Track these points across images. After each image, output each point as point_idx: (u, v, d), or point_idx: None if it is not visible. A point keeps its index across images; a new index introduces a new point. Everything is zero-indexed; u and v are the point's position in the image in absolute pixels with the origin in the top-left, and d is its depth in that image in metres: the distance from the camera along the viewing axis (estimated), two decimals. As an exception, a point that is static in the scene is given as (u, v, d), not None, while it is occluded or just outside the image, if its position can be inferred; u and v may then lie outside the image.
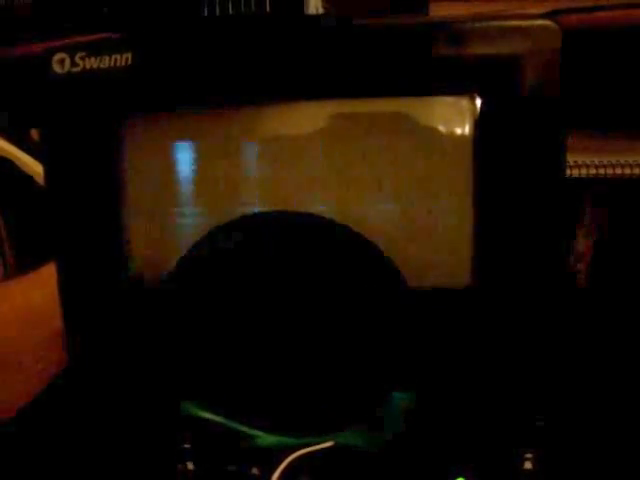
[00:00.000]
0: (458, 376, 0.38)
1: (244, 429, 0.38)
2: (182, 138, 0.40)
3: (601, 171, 0.48)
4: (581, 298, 0.50)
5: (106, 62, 0.37)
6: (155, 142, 0.40)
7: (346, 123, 0.39)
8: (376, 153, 0.39)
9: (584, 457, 0.44)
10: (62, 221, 0.40)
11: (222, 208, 0.40)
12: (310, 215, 0.38)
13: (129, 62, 0.37)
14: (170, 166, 0.40)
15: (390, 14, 0.43)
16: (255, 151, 0.40)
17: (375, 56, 0.37)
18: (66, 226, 0.40)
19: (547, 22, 0.36)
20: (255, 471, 0.38)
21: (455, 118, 0.38)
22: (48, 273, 0.42)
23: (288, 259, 0.38)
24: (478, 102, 0.37)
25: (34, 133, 0.55)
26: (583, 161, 0.48)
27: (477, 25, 0.36)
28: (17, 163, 0.54)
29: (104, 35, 0.40)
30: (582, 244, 0.51)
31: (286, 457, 0.38)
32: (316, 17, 0.44)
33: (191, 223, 0.40)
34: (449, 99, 0.38)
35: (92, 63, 0.38)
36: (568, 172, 0.47)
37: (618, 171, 0.48)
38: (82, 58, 0.38)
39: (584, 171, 0.48)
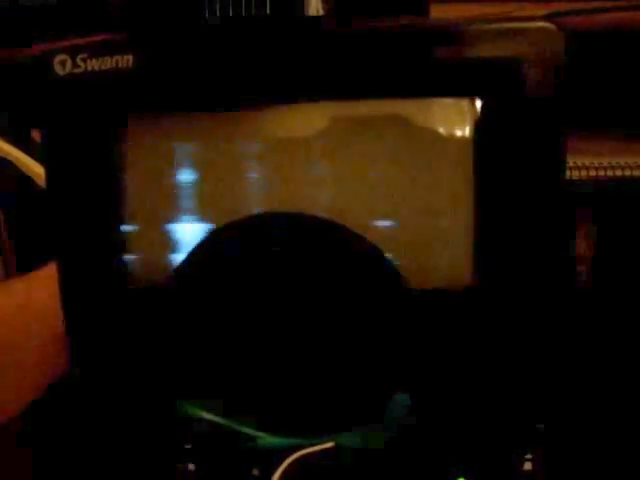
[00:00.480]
0: (458, 377, 0.38)
1: (245, 430, 0.38)
2: (183, 140, 0.40)
3: (601, 173, 0.48)
4: (582, 299, 0.50)
5: (107, 64, 0.38)
6: (156, 144, 0.40)
7: (346, 125, 0.39)
8: (376, 155, 0.39)
9: (584, 458, 0.44)
10: (62, 222, 0.40)
11: (223, 210, 0.40)
12: (310, 217, 0.38)
13: (130, 64, 0.37)
14: (171, 168, 0.40)
15: (390, 16, 0.43)
16: (256, 153, 0.40)
17: (375, 58, 0.37)
18: (66, 227, 0.40)
19: (547, 24, 0.36)
20: (255, 472, 0.38)
21: (455, 120, 0.38)
22: (48, 273, 0.42)
23: (288, 261, 0.38)
24: (478, 104, 0.38)
25: (35, 134, 0.55)
26: (583, 163, 0.48)
27: (477, 27, 0.36)
28: (18, 164, 0.54)
29: (105, 36, 0.40)
30: (583, 245, 0.51)
31: (286, 458, 0.38)
32: (317, 19, 0.44)
33: (192, 224, 0.40)
34: (449, 101, 0.38)
35: (93, 65, 0.38)
36: (568, 174, 0.47)
37: (618, 173, 0.48)
38: (83, 60, 0.38)
39: (584, 173, 0.48)
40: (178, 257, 0.40)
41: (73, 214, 0.40)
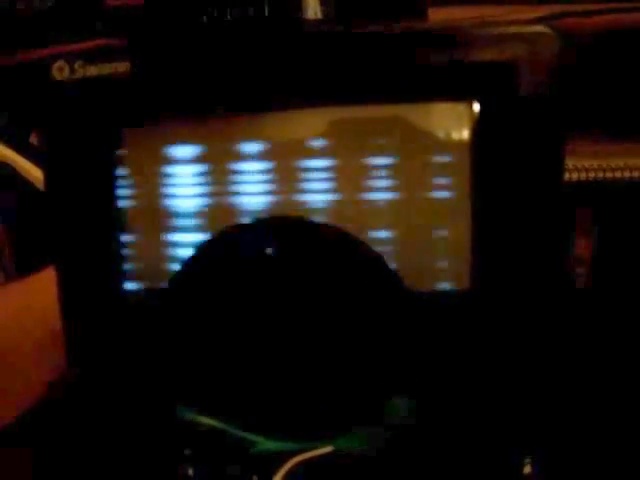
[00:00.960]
0: (458, 380, 0.38)
1: (243, 435, 0.38)
2: (181, 144, 0.40)
3: (600, 174, 0.48)
4: (581, 301, 0.50)
5: (105, 70, 0.38)
6: (154, 148, 0.40)
7: (344, 129, 0.39)
8: (374, 159, 0.39)
9: (584, 460, 0.44)
10: (61, 226, 0.40)
11: (222, 214, 0.40)
12: (309, 221, 0.38)
13: (128, 70, 0.38)
14: (169, 173, 0.40)
15: (388, 19, 0.43)
16: (254, 157, 0.40)
17: (373, 62, 0.37)
18: (65, 231, 0.40)
19: (543, 27, 0.36)
20: (255, 477, 0.38)
21: (453, 124, 0.38)
22: (47, 277, 0.42)
23: (288, 265, 0.38)
24: (476, 107, 0.38)
25: (33, 138, 0.55)
26: (582, 165, 0.48)
27: (474, 31, 0.37)
28: (16, 168, 0.54)
29: (103, 42, 0.40)
30: (582, 247, 0.51)
31: (285, 462, 0.38)
32: (315, 22, 0.44)
33: (190, 229, 0.40)
34: (447, 105, 0.38)
35: (91, 71, 0.38)
36: (567, 176, 0.47)
37: (618, 174, 0.48)
38: (81, 66, 0.38)
39: (583, 175, 0.48)
40: (177, 260, 0.40)
41: (72, 218, 0.40)
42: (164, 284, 0.39)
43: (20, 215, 0.56)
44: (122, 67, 0.37)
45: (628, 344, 0.49)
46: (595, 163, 0.48)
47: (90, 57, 0.38)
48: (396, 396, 0.38)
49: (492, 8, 0.48)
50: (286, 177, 0.40)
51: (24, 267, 0.53)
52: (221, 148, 0.40)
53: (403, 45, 0.37)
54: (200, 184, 0.40)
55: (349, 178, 0.39)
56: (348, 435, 0.38)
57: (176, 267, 0.39)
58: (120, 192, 0.40)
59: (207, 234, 0.39)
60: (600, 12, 0.48)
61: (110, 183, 0.40)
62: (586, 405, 0.46)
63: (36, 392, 0.45)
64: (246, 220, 0.39)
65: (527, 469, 0.39)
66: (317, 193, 0.40)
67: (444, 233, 0.39)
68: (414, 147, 0.39)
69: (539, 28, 0.36)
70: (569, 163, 0.48)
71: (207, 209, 0.40)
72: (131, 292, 0.41)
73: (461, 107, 0.38)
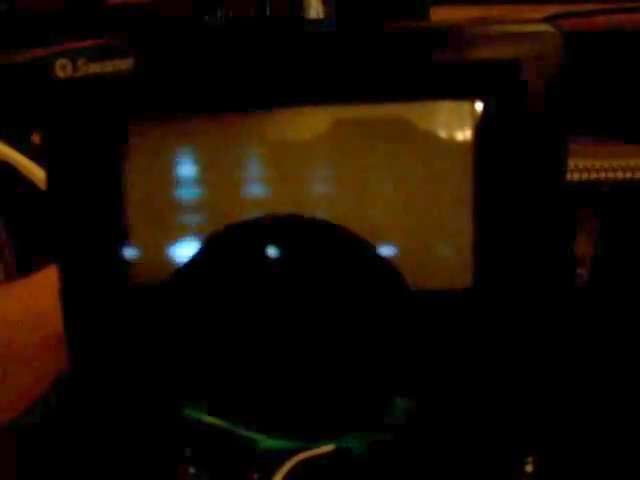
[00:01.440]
0: (459, 379, 0.38)
1: (245, 433, 0.38)
2: (184, 143, 0.40)
3: (602, 175, 0.48)
4: (582, 300, 0.50)
5: (108, 67, 0.38)
6: (157, 146, 0.40)
7: (347, 128, 0.39)
8: (377, 157, 0.39)
9: (585, 459, 0.44)
10: (63, 224, 0.40)
11: (224, 213, 0.40)
12: (311, 219, 0.38)
13: (131, 67, 0.37)
14: (172, 171, 0.40)
15: (390, 19, 0.43)
16: (257, 156, 0.40)
17: (375, 61, 0.37)
18: (67, 229, 0.40)
19: (547, 27, 0.36)
20: (255, 475, 0.38)
21: (456, 122, 0.38)
22: (49, 276, 0.42)
23: (290, 263, 0.38)
24: (478, 106, 0.38)
25: (35, 137, 0.55)
26: (584, 165, 0.48)
27: (477, 30, 0.37)
28: (18, 167, 0.54)
29: (106, 40, 0.40)
30: (583, 247, 0.51)
31: (287, 461, 0.38)
32: (317, 22, 0.44)
33: (193, 227, 0.40)
34: (450, 103, 0.38)
35: (94, 68, 0.38)
36: (569, 176, 0.47)
37: (619, 175, 0.48)
38: (84, 63, 0.38)
39: (584, 175, 0.48)
40: (179, 259, 0.40)
41: (74, 216, 0.40)
42: (168, 282, 0.39)
43: (21, 214, 0.56)
44: (125, 64, 0.37)
45: (629, 343, 0.50)
46: (596, 163, 0.48)
47: (93, 55, 0.37)
48: (398, 395, 0.38)
49: (494, 8, 0.48)
50: (287, 176, 0.40)
51: (25, 266, 0.53)
52: (224, 145, 0.40)
53: (405, 44, 0.37)
54: (204, 181, 0.40)
55: (351, 177, 0.39)
56: (350, 434, 0.38)
57: (180, 265, 0.39)
58: (123, 189, 0.40)
59: (211, 231, 0.39)
60: (605, 12, 0.48)
61: (113, 180, 0.40)
62: (587, 404, 0.46)
63: (38, 391, 0.45)
64: (249, 217, 0.39)
65: (529, 468, 0.39)
66: (318, 192, 0.40)
67: (446, 232, 0.39)
68: (417, 146, 0.39)
69: (543, 27, 0.36)
70: (570, 163, 0.48)
71: (211, 205, 0.40)
72: (134, 290, 0.41)
73: (464, 106, 0.38)
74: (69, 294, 0.40)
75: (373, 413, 0.38)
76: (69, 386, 0.42)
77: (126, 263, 0.41)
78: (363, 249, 0.38)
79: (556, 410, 0.40)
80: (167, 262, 0.41)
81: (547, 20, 0.37)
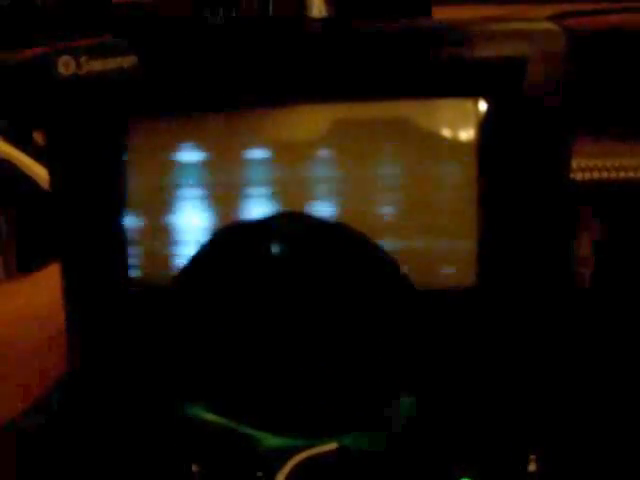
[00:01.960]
0: (462, 378, 0.38)
1: (248, 431, 0.38)
2: (186, 141, 0.40)
3: (605, 174, 0.48)
4: (585, 301, 0.50)
5: (111, 65, 0.38)
6: (159, 144, 0.40)
7: (349, 127, 0.39)
8: (379, 156, 0.39)
9: (588, 458, 0.44)
10: (65, 223, 0.40)
11: (225, 211, 0.40)
12: (313, 217, 0.38)
13: (134, 65, 0.37)
14: (174, 169, 0.40)
15: (393, 17, 0.43)
16: (258, 155, 0.40)
17: (378, 59, 0.37)
18: (69, 228, 0.40)
19: (551, 25, 0.36)
20: (259, 473, 0.38)
21: (459, 121, 0.38)
22: (50, 275, 0.42)
23: (292, 262, 0.38)
24: (482, 105, 0.38)
25: (37, 136, 0.55)
26: (586, 164, 0.48)
27: (481, 28, 0.37)
28: (19, 165, 0.54)
29: (109, 38, 0.40)
30: (586, 247, 0.51)
31: (290, 459, 0.38)
32: (320, 20, 0.44)
33: (195, 226, 0.40)
34: (453, 102, 0.38)
35: (97, 65, 0.38)
36: (572, 175, 0.47)
37: (622, 174, 0.48)
38: (87, 61, 0.38)
39: (587, 174, 0.48)
40: (181, 258, 0.40)
41: (76, 215, 0.40)
42: (169, 281, 0.39)
43: (23, 213, 0.56)
44: (127, 62, 0.37)
45: (630, 344, 0.50)
46: (599, 163, 0.48)
47: (96, 52, 0.37)
48: (402, 393, 0.38)
49: (498, 7, 0.48)
50: (290, 174, 0.40)
51: (27, 265, 0.53)
52: (225, 144, 0.40)
53: (408, 42, 0.37)
54: (205, 180, 0.40)
55: (353, 176, 0.39)
56: (352, 432, 0.38)
57: (182, 263, 0.39)
58: (125, 188, 0.40)
59: (213, 230, 0.39)
60: (610, 11, 0.48)
61: (115, 178, 0.40)
62: (589, 403, 0.46)
63: (38, 391, 0.44)
64: (251, 216, 0.39)
65: (532, 466, 0.39)
66: (321, 191, 0.40)
67: (449, 231, 0.39)
68: (420, 145, 0.39)
69: (547, 25, 0.36)
70: (573, 163, 0.48)
71: (212, 204, 0.40)
72: (136, 289, 0.40)
73: (468, 104, 0.38)
74: (71, 293, 0.40)
75: (376, 411, 0.38)
76: (70, 386, 0.42)
77: (128, 262, 0.41)
78: (366, 247, 0.38)
79: (558, 409, 0.40)
80: (169, 261, 0.41)
81: (551, 19, 0.37)
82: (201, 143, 0.40)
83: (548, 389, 0.39)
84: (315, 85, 0.38)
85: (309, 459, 0.38)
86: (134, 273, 0.41)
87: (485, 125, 0.37)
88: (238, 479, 0.39)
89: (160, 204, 0.41)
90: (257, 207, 0.40)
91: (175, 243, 0.41)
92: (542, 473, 0.39)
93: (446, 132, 0.38)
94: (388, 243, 0.38)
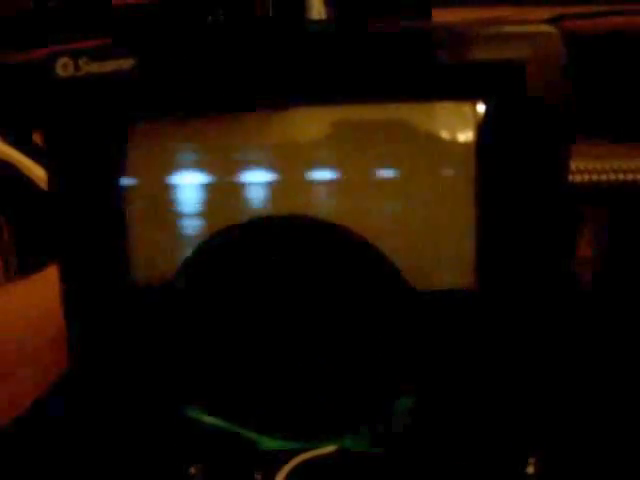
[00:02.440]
0: (461, 380, 0.38)
1: (247, 433, 0.38)
2: (186, 142, 0.40)
3: (603, 177, 0.48)
4: (584, 303, 0.50)
5: (110, 67, 0.38)
6: (158, 146, 0.40)
7: (348, 129, 0.39)
8: (378, 158, 0.39)
9: (587, 461, 0.44)
10: (64, 223, 0.40)
11: (225, 213, 0.40)
12: (313, 219, 0.38)
13: (133, 67, 0.37)
14: (173, 171, 0.40)
15: (392, 19, 0.43)
16: (258, 156, 0.40)
17: (377, 61, 0.37)
18: (69, 229, 0.40)
19: (550, 28, 0.36)
20: (258, 475, 0.38)
21: (458, 123, 0.38)
22: (50, 276, 0.42)
23: (291, 263, 0.38)
24: (480, 107, 0.38)
25: (36, 137, 0.55)
26: (585, 167, 0.48)
27: (479, 31, 0.36)
28: (19, 167, 0.54)
29: (108, 40, 0.40)
30: (585, 249, 0.51)
31: (289, 461, 0.38)
32: (319, 22, 0.44)
33: (194, 227, 0.40)
34: (451, 105, 0.38)
35: (96, 67, 0.38)
36: (571, 177, 0.47)
37: (621, 177, 0.48)
38: (86, 63, 0.38)
39: (586, 177, 0.48)
40: (181, 259, 0.40)
41: (75, 216, 0.40)
42: (168, 282, 0.39)
43: (23, 214, 0.56)
44: (127, 64, 0.37)
45: (631, 345, 0.49)
46: (599, 165, 0.48)
47: (95, 54, 0.37)
48: (401, 395, 0.38)
49: (497, 9, 0.48)
50: (289, 177, 0.40)
51: (27, 266, 0.53)
52: (225, 147, 0.40)
53: (407, 44, 0.37)
54: (205, 182, 0.40)
55: (352, 178, 0.39)
56: (352, 434, 0.38)
57: (180, 265, 0.39)
58: (124, 190, 0.40)
59: (212, 231, 0.39)
60: (608, 14, 0.48)
61: (114, 180, 0.40)
62: (590, 405, 0.46)
63: (38, 391, 0.44)
64: (250, 217, 0.39)
65: (531, 469, 0.39)
66: (319, 193, 0.40)
67: (449, 233, 0.39)
68: (419, 147, 0.39)
69: (546, 28, 0.36)
70: (572, 165, 0.48)
71: (212, 206, 0.40)
72: (135, 290, 0.40)
73: (466, 107, 0.38)
74: (70, 294, 0.40)
75: (375, 414, 0.38)
76: (70, 387, 0.42)
77: (127, 263, 0.41)
78: (364, 250, 0.38)
79: (558, 411, 0.40)
80: (168, 262, 0.41)
81: (549, 21, 0.37)
82: (200, 145, 0.40)
83: (548, 391, 0.39)
84: (314, 87, 0.38)
85: (308, 461, 0.38)
86: (133, 274, 0.41)
87: (484, 128, 0.37)
88: (237, 481, 0.39)
89: (159, 205, 0.41)
90: (256, 208, 0.40)
91: (174, 244, 0.41)
92: (541, 475, 0.39)
93: (445, 135, 0.38)
94: (387, 245, 0.38)
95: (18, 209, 0.56)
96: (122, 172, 0.40)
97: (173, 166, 0.40)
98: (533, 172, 0.37)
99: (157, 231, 0.41)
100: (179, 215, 0.41)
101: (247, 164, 0.40)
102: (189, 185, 0.40)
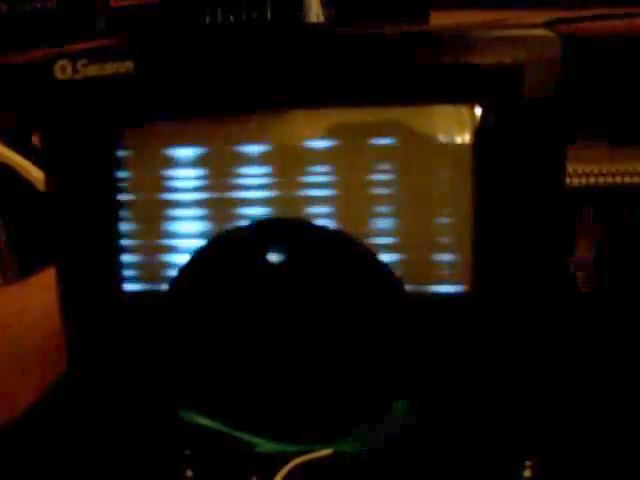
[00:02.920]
0: (458, 382, 0.38)
1: (243, 436, 0.38)
2: (182, 145, 0.40)
3: (601, 180, 0.48)
4: (582, 305, 0.50)
5: (107, 70, 0.38)
6: (155, 148, 0.40)
7: (346, 132, 0.39)
8: (376, 161, 0.39)
9: (584, 464, 0.44)
10: (62, 227, 0.40)
11: (220, 217, 0.40)
12: (309, 223, 0.38)
13: (130, 70, 0.38)
14: (170, 173, 0.40)
15: (390, 23, 0.43)
16: (255, 159, 0.40)
17: (375, 65, 0.37)
18: (66, 232, 0.40)
19: (546, 32, 0.36)
20: (254, 478, 0.38)
21: (455, 126, 0.38)
22: (48, 278, 0.42)
23: (289, 267, 0.38)
24: (478, 111, 0.38)
25: (35, 139, 0.55)
26: (583, 169, 0.48)
27: (477, 34, 0.37)
28: (18, 169, 0.54)
29: (106, 43, 0.40)
30: (583, 251, 0.51)
31: (285, 464, 0.38)
32: (316, 26, 0.44)
33: (192, 230, 0.40)
34: (449, 108, 0.38)
35: (94, 70, 0.38)
36: (568, 180, 0.47)
37: (618, 180, 0.48)
38: (84, 65, 0.38)
39: (584, 179, 0.48)
40: (177, 263, 0.40)
41: (72, 219, 0.40)
42: (164, 286, 0.39)
43: (21, 216, 0.56)
44: (125, 67, 0.37)
45: (629, 347, 0.49)
46: (596, 168, 0.48)
47: (93, 57, 0.38)
48: (397, 398, 0.38)
49: (494, 13, 0.48)
50: (286, 179, 0.40)
51: (25, 268, 0.53)
52: (222, 149, 0.40)
53: (405, 47, 0.37)
54: (201, 186, 0.40)
55: (350, 181, 0.39)
56: (348, 438, 0.38)
57: (176, 269, 0.39)
58: (121, 193, 0.40)
59: (207, 236, 0.39)
60: (605, 17, 0.48)
61: (111, 183, 0.40)
62: (587, 408, 0.46)
63: (36, 392, 0.44)
64: (246, 222, 0.39)
65: (527, 472, 0.39)
66: (317, 196, 0.40)
67: (445, 236, 0.39)
68: (415, 150, 0.39)
69: (542, 32, 0.36)
70: (570, 168, 0.48)
71: (207, 211, 0.40)
72: (131, 293, 0.41)
73: (463, 110, 0.38)
74: (67, 296, 0.40)
75: (372, 417, 0.38)
76: (67, 388, 0.42)
77: (124, 265, 0.41)
78: (361, 253, 0.38)
79: (555, 414, 0.40)
80: (165, 265, 0.41)
81: (547, 25, 0.37)
82: (198, 147, 0.40)
83: (545, 394, 0.39)
84: (311, 90, 0.39)
85: (305, 464, 0.38)
86: (130, 276, 0.41)
87: (481, 130, 0.37)
88: (233, 484, 0.39)
89: (157, 208, 0.41)
90: (254, 212, 0.40)
91: (171, 248, 0.41)
92: (538, 479, 0.39)
93: (442, 137, 0.38)
94: (384, 247, 0.38)
95: (16, 211, 0.56)
96: (119, 174, 0.40)
97: (171, 168, 0.40)
98: (531, 175, 0.37)
99: (154, 234, 0.41)
100: (176, 218, 0.41)
101: (245, 166, 0.40)
102: (187, 187, 0.40)
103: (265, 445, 0.38)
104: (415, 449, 0.38)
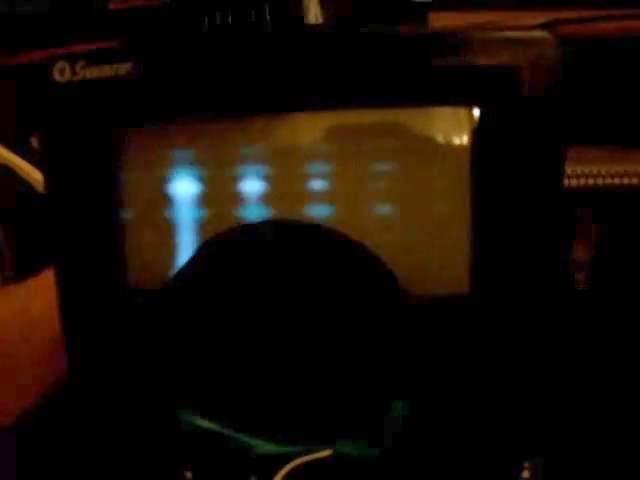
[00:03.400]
0: (457, 384, 0.38)
1: (242, 438, 0.38)
2: (182, 148, 0.40)
3: (599, 181, 0.48)
4: (581, 306, 0.50)
5: (107, 71, 0.38)
6: (156, 151, 0.40)
7: (344, 133, 0.39)
8: (374, 163, 0.39)
9: (583, 466, 0.44)
10: (61, 228, 0.40)
11: (221, 218, 0.40)
12: (309, 224, 0.38)
13: (130, 72, 0.38)
14: (170, 175, 0.40)
15: (389, 24, 0.43)
16: (255, 161, 0.40)
17: (373, 66, 0.37)
18: (65, 233, 0.40)
19: (545, 33, 0.36)
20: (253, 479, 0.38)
21: (453, 128, 0.38)
22: (47, 280, 0.42)
23: (286, 268, 0.38)
24: (476, 112, 0.38)
25: (34, 141, 0.55)
26: (581, 171, 0.48)
27: (475, 36, 0.37)
28: (17, 170, 0.54)
29: (105, 44, 0.40)
30: (581, 252, 0.51)
31: (284, 466, 0.38)
32: (316, 27, 0.44)
33: (191, 231, 0.40)
34: (447, 110, 0.38)
35: (93, 72, 0.38)
36: (566, 182, 0.47)
37: (616, 181, 0.48)
38: (83, 67, 0.38)
39: (582, 181, 0.48)
40: (177, 263, 0.40)
41: (72, 220, 0.40)
42: (164, 287, 0.39)
43: (20, 217, 0.56)
44: (124, 69, 0.37)
45: (627, 347, 0.50)
46: (594, 169, 0.48)
47: (92, 58, 0.38)
48: (395, 400, 0.38)
49: (493, 14, 0.48)
50: (286, 181, 0.40)
51: (24, 269, 0.53)
52: (222, 151, 0.40)
53: (403, 49, 0.37)
54: (201, 186, 0.40)
55: (349, 183, 0.39)
56: (347, 439, 0.38)
57: (176, 269, 0.39)
58: (121, 195, 0.40)
59: (208, 236, 0.39)
60: (603, 18, 0.48)
61: (111, 185, 0.40)
62: (586, 409, 0.46)
63: (35, 394, 0.45)
64: (246, 222, 0.39)
65: (526, 474, 0.39)
66: (316, 197, 0.40)
67: (443, 238, 0.39)
68: (414, 152, 0.39)
69: (540, 33, 0.36)
70: (568, 169, 0.48)
71: (208, 211, 0.40)
72: (131, 294, 0.41)
73: (462, 112, 0.38)
74: (67, 297, 0.40)
75: (370, 418, 0.38)
76: (67, 389, 0.42)
77: (123, 267, 0.41)
78: (360, 254, 0.38)
79: (554, 416, 0.40)
80: (165, 266, 0.41)
81: (545, 27, 0.37)
82: (198, 150, 0.40)
83: (544, 395, 0.39)
84: (310, 92, 0.38)
85: (304, 466, 0.38)
86: (129, 277, 0.41)
87: (479, 132, 0.37)
88: (232, 485, 0.39)
89: (156, 210, 0.41)
90: (252, 213, 0.40)
91: (170, 248, 0.41)
92: (536, 480, 0.39)
93: (440, 139, 0.38)
94: (382, 249, 0.38)
95: (15, 212, 0.56)
96: (119, 176, 0.40)
97: (171, 171, 0.40)
98: (529, 176, 0.37)
99: (154, 235, 0.41)
100: (176, 219, 0.41)
101: (245, 168, 0.40)
102: (186, 189, 0.40)
103: (264, 447, 0.38)
104: (413, 450, 0.38)
